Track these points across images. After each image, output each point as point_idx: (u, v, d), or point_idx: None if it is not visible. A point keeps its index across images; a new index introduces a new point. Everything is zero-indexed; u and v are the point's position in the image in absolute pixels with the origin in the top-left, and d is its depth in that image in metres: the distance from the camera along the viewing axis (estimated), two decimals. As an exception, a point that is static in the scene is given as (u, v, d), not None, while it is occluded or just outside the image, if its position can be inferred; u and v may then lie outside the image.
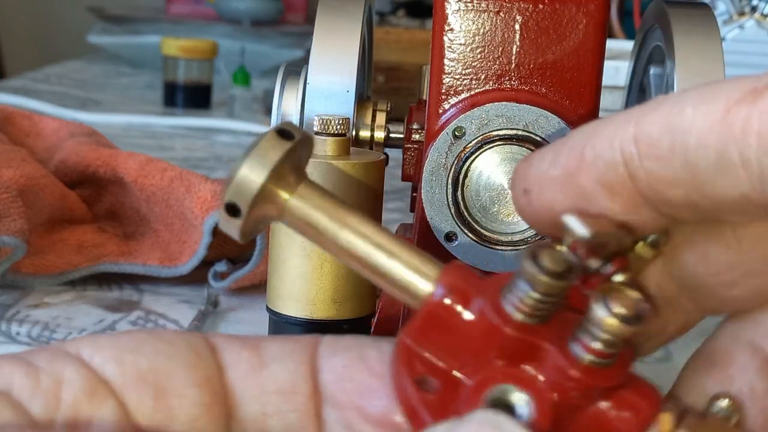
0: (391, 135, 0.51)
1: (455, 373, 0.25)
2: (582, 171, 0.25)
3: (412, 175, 0.50)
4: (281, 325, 0.46)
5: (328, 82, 0.48)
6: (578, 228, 0.24)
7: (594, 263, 0.25)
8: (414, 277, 0.26)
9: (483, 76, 0.43)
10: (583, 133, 0.25)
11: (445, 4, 0.43)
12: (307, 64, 0.49)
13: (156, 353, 0.24)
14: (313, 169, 0.42)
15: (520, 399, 0.24)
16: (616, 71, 0.84)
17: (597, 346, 0.24)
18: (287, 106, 0.51)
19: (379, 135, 0.51)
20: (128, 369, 0.24)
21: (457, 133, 0.42)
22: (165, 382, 0.24)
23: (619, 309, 0.23)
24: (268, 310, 0.47)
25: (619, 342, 0.24)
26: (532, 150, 0.42)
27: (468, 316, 0.25)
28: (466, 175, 0.43)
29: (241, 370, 0.25)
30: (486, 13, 0.43)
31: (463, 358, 0.25)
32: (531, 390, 0.24)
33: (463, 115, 0.42)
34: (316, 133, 0.44)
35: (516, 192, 0.27)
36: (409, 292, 0.26)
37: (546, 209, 0.26)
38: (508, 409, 0.24)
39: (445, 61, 0.43)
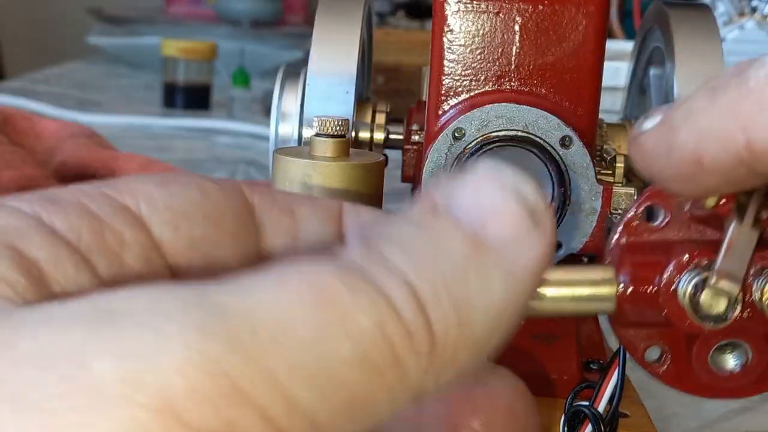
0: (391, 136, 0.51)
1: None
2: (701, 175, 0.25)
3: (412, 176, 0.50)
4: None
5: (327, 83, 0.48)
6: None
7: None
8: (594, 289, 0.27)
9: (483, 77, 0.43)
10: (689, 133, 0.25)
11: (445, 5, 0.43)
12: (307, 65, 0.49)
13: (206, 220, 0.25)
14: (312, 171, 0.42)
15: None
16: (616, 72, 0.84)
17: None
18: (287, 107, 0.51)
19: (379, 136, 0.51)
20: (182, 237, 0.24)
21: (456, 134, 0.42)
22: (212, 251, 0.25)
23: None
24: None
25: None
26: (532, 151, 0.42)
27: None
28: (465, 177, 0.43)
29: (280, 240, 0.26)
30: (485, 14, 0.43)
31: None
32: None
33: (462, 116, 0.42)
34: (316, 135, 0.44)
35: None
36: (599, 301, 0.27)
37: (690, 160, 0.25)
38: None
39: (445, 62, 0.43)
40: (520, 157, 0.42)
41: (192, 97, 1.34)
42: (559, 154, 0.42)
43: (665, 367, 0.27)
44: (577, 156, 0.42)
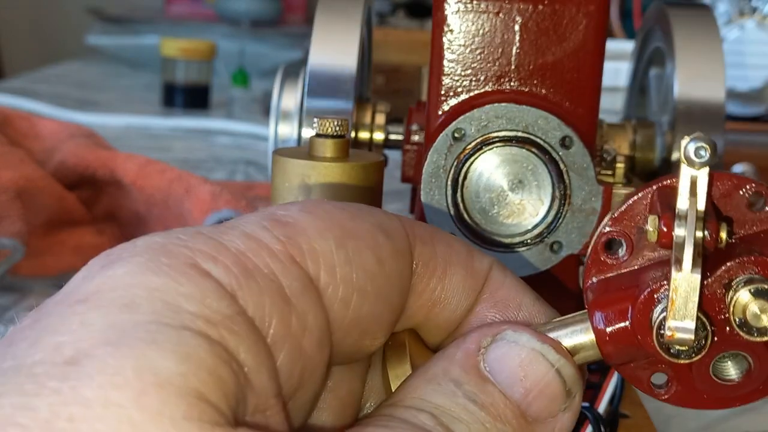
0: (391, 136, 0.51)
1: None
2: None
3: (412, 177, 0.50)
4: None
5: (327, 83, 0.48)
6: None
7: None
8: (572, 341, 0.26)
9: (482, 78, 0.43)
10: None
11: (445, 5, 0.43)
12: (306, 65, 0.49)
13: (375, 297, 0.24)
14: (311, 171, 0.42)
15: None
16: (617, 72, 0.84)
17: None
18: (286, 107, 0.51)
19: (379, 136, 0.51)
20: (349, 315, 0.24)
21: (456, 135, 0.42)
22: (367, 326, 0.25)
23: None
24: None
25: None
26: (532, 151, 0.42)
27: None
28: (465, 177, 0.42)
29: (420, 312, 0.26)
30: (485, 14, 0.43)
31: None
32: None
33: (462, 117, 0.42)
34: (315, 135, 0.44)
35: None
36: (582, 351, 0.26)
37: None
38: None
39: (445, 63, 0.43)
40: (519, 158, 0.42)
41: (191, 97, 1.34)
42: (559, 155, 0.42)
43: (672, 391, 0.27)
44: (577, 156, 0.42)
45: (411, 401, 0.24)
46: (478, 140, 0.42)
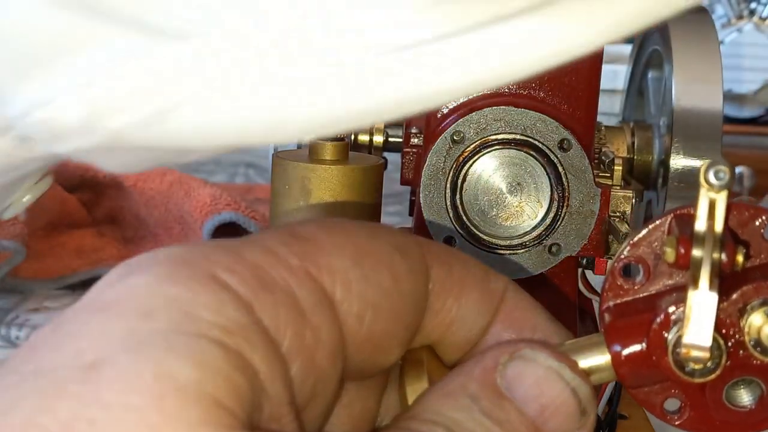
0: (390, 139, 0.51)
1: None
2: None
3: (411, 179, 0.50)
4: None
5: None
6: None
7: None
8: (588, 361, 0.27)
9: (481, 81, 0.43)
10: None
11: (444, 8, 0.43)
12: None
13: (390, 314, 0.25)
14: (311, 174, 0.42)
15: None
16: (615, 75, 0.84)
17: None
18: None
19: (378, 139, 0.51)
20: (363, 331, 0.24)
21: (455, 138, 0.43)
22: (381, 343, 0.25)
23: None
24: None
25: None
26: (530, 154, 0.42)
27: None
28: (464, 179, 0.43)
29: (435, 332, 0.27)
30: (484, 18, 0.43)
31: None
32: None
33: (461, 120, 0.42)
34: (315, 138, 0.44)
35: None
36: (597, 372, 0.27)
37: None
38: None
39: (444, 66, 0.43)
40: (518, 161, 0.43)
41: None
42: (557, 157, 0.42)
43: (686, 416, 0.27)
44: (575, 159, 0.42)
45: (427, 415, 0.24)
46: (477, 143, 0.42)
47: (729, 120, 0.95)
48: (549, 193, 0.42)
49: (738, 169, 0.88)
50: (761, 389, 0.27)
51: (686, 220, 0.26)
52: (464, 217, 0.43)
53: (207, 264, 0.22)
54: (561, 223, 0.42)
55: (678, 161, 0.49)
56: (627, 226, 0.42)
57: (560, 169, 0.42)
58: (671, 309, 0.26)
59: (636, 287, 0.27)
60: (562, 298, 0.45)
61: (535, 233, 0.43)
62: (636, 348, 0.26)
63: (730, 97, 0.95)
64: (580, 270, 0.47)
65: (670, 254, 0.26)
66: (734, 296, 0.26)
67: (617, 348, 0.26)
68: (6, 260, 0.61)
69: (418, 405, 0.25)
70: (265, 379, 0.21)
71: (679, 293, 0.26)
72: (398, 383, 0.27)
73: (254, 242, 0.24)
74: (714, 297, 0.25)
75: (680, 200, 0.49)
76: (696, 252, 0.25)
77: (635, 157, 0.51)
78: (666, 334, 0.26)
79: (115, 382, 0.19)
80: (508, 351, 0.26)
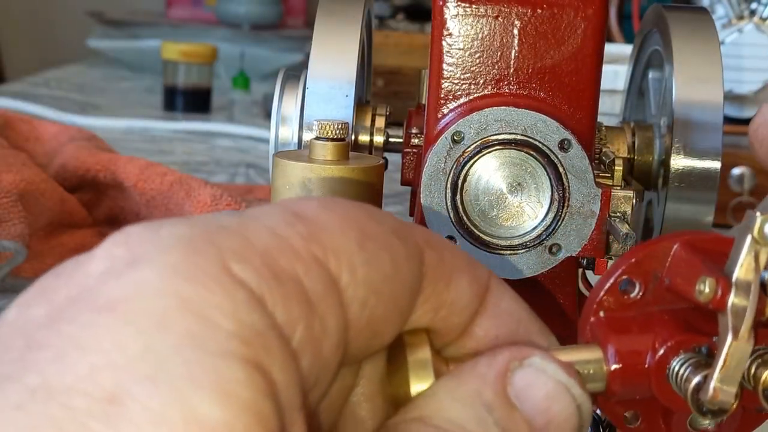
0: (390, 139, 0.52)
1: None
2: None
3: (412, 180, 0.50)
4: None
5: (327, 86, 0.48)
6: None
7: None
8: (583, 369, 0.27)
9: (482, 81, 0.43)
10: None
11: (444, 8, 0.43)
12: (307, 68, 0.49)
13: (390, 299, 0.24)
14: (312, 174, 0.42)
15: None
16: (615, 75, 0.84)
17: None
18: (287, 110, 0.51)
19: (378, 139, 0.51)
20: (365, 316, 0.24)
21: (455, 138, 0.43)
22: (379, 328, 0.25)
23: None
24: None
25: None
26: (531, 154, 0.42)
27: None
28: (465, 180, 0.43)
29: (426, 316, 0.26)
30: (485, 18, 0.43)
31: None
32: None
33: (461, 120, 0.42)
34: (316, 138, 0.44)
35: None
36: (590, 382, 0.27)
37: None
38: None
39: (444, 66, 0.43)
40: (518, 161, 0.43)
41: (192, 100, 1.34)
42: (558, 158, 0.42)
43: (642, 427, 0.28)
44: (575, 159, 0.42)
45: (440, 421, 0.24)
46: (478, 143, 0.42)
47: (729, 120, 0.95)
48: (549, 193, 0.42)
49: (738, 170, 0.88)
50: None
51: (705, 250, 0.27)
52: (464, 218, 0.43)
53: (216, 252, 0.21)
54: (561, 223, 0.42)
55: (678, 161, 0.49)
56: (627, 226, 0.42)
57: (561, 169, 0.42)
58: (680, 339, 0.27)
59: (629, 302, 0.28)
60: (562, 298, 0.45)
61: (535, 233, 0.43)
62: (635, 368, 0.27)
63: (730, 97, 0.95)
64: (580, 270, 0.47)
65: (706, 295, 0.26)
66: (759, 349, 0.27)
67: (616, 366, 0.27)
68: (7, 260, 0.61)
69: (426, 405, 0.25)
70: (281, 390, 0.21)
71: (684, 324, 0.27)
72: (387, 361, 0.27)
73: (257, 221, 0.23)
74: (750, 347, 0.26)
75: (680, 200, 0.49)
76: (738, 301, 0.26)
77: (636, 158, 0.51)
78: (670, 363, 0.27)
79: (142, 425, 0.18)
80: (518, 356, 0.26)
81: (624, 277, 0.28)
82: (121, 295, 0.20)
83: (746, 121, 0.98)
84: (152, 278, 0.20)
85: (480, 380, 0.25)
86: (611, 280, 0.28)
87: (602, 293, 0.28)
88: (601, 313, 0.28)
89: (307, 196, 0.25)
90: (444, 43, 0.43)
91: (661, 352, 0.26)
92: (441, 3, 0.43)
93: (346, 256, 0.23)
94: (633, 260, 0.28)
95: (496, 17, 0.43)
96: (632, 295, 0.28)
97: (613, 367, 0.27)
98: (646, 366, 0.27)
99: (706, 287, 0.26)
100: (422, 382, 0.26)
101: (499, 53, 0.43)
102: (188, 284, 0.20)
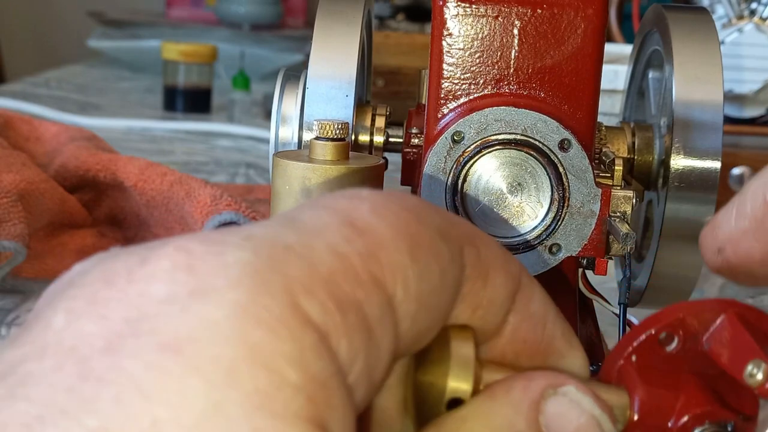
0: (391, 139, 0.52)
1: None
2: None
3: (412, 179, 0.50)
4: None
5: (327, 86, 0.48)
6: None
7: None
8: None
9: (482, 81, 0.43)
10: (761, 181, 0.27)
11: (444, 9, 0.43)
12: (307, 68, 0.49)
13: (436, 310, 0.24)
14: (312, 174, 0.42)
15: None
16: (615, 75, 0.84)
17: None
18: (287, 110, 0.51)
19: (379, 139, 0.51)
20: (413, 332, 0.23)
21: (455, 138, 0.43)
22: (422, 340, 0.24)
23: None
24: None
25: None
26: (531, 154, 0.42)
27: None
28: (465, 180, 0.43)
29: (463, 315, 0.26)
30: (485, 18, 0.43)
31: None
32: None
33: (461, 120, 0.43)
34: (316, 138, 0.44)
35: (709, 255, 0.29)
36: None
37: (744, 261, 0.28)
38: None
39: (444, 66, 0.43)
40: (518, 161, 0.43)
41: (192, 101, 1.34)
42: (558, 158, 0.42)
43: None
44: (575, 159, 0.42)
45: None
46: (478, 143, 0.43)
47: (730, 120, 0.95)
48: (549, 193, 0.42)
49: (738, 170, 0.88)
50: None
51: (748, 325, 0.27)
52: (465, 218, 0.43)
53: (285, 283, 0.20)
54: (561, 223, 0.42)
55: (678, 161, 0.49)
56: (627, 226, 0.42)
57: (561, 169, 0.42)
58: (708, 409, 0.27)
59: (662, 354, 0.28)
60: (561, 298, 0.45)
61: (535, 233, 0.43)
62: (657, 423, 0.27)
63: (730, 97, 0.95)
64: (580, 270, 0.47)
65: (757, 381, 0.26)
66: None
67: (639, 416, 0.27)
68: (7, 260, 0.61)
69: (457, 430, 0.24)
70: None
71: (714, 398, 0.27)
72: (416, 359, 0.26)
73: (318, 237, 0.22)
74: None
75: (680, 200, 0.49)
76: None
77: (636, 158, 0.51)
78: (693, 428, 0.27)
79: None
80: (554, 384, 0.25)
81: (665, 329, 0.28)
82: (187, 334, 0.19)
83: (746, 121, 0.98)
84: (220, 319, 0.20)
85: (513, 409, 0.25)
86: (652, 330, 0.28)
87: (641, 339, 0.28)
88: (633, 358, 0.28)
89: (354, 193, 0.24)
90: (444, 43, 0.43)
91: (686, 419, 0.27)
92: (441, 3, 0.43)
93: (401, 270, 0.23)
94: (679, 316, 0.28)
95: (496, 17, 0.43)
96: (668, 349, 0.28)
97: (636, 417, 0.27)
98: (669, 426, 0.27)
99: (759, 373, 0.26)
100: (460, 381, 0.25)
101: (499, 53, 0.43)
102: (257, 330, 0.20)
